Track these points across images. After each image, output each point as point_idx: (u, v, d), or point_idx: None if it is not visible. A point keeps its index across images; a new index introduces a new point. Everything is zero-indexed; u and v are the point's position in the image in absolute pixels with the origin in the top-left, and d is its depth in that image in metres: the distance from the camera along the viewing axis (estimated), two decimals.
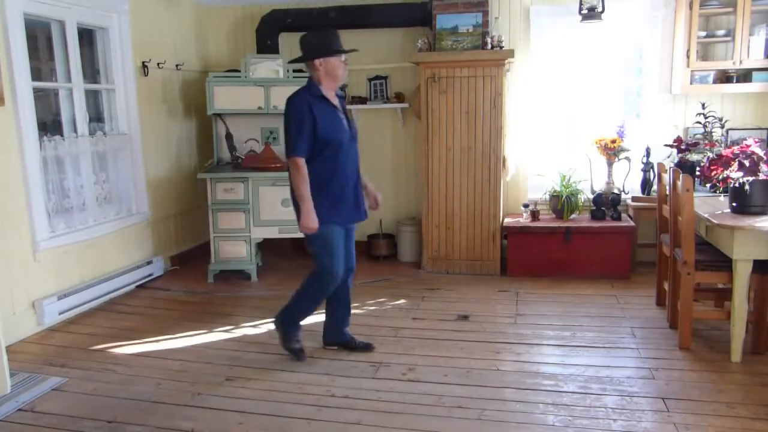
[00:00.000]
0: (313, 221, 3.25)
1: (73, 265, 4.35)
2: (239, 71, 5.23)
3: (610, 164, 5.10)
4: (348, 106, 5.69)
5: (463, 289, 4.78)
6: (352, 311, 4.35)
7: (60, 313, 4.14)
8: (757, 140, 3.41)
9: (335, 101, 3.41)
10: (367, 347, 3.66)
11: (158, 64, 5.19)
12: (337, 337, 3.68)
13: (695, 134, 4.87)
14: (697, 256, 3.50)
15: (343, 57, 3.34)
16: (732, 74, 4.93)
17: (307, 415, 2.93)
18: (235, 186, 4.99)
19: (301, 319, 3.58)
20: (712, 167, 3.45)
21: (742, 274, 3.30)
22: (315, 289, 3.49)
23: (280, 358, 3.60)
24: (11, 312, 3.84)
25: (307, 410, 2.98)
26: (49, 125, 4.38)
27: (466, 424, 2.83)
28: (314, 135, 3.24)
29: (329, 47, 3.30)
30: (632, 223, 5.02)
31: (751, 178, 3.27)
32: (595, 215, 5.12)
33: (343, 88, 3.54)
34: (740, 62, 4.77)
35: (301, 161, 3.24)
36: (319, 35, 3.35)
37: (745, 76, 4.89)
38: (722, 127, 4.74)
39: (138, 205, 5.02)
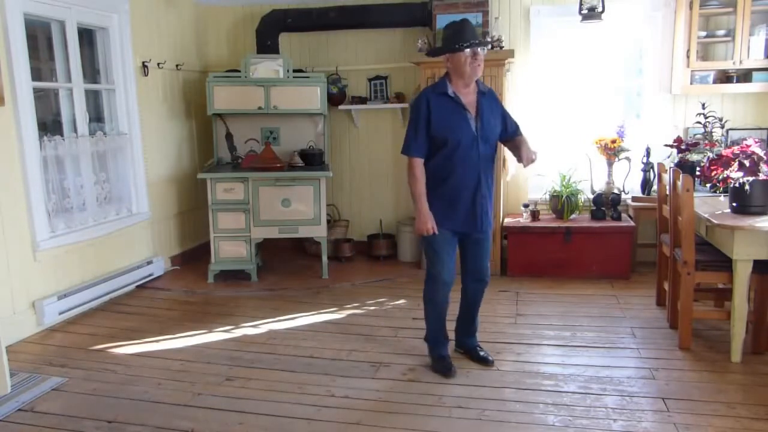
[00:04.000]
0: (422, 223, 3.12)
1: (73, 265, 4.35)
2: (239, 71, 5.23)
3: (610, 164, 5.10)
4: (348, 107, 5.76)
5: None
6: (352, 312, 4.38)
7: (60, 313, 4.14)
8: (757, 140, 3.41)
9: (469, 98, 3.16)
10: (485, 361, 3.44)
11: (158, 64, 5.19)
12: (461, 344, 3.58)
13: (695, 134, 4.87)
14: (697, 256, 3.50)
15: (468, 51, 3.06)
16: (732, 74, 4.93)
17: (307, 415, 2.93)
18: (235, 186, 4.99)
19: (436, 332, 3.41)
20: (712, 167, 3.44)
21: (742, 274, 3.30)
22: (428, 297, 3.36)
23: (280, 358, 3.60)
24: (11, 312, 3.85)
25: (307, 410, 2.98)
26: (49, 125, 4.37)
27: (466, 424, 2.83)
28: (429, 132, 3.12)
29: (453, 42, 3.08)
30: (632, 223, 5.02)
31: (751, 178, 3.27)
32: (595, 215, 5.12)
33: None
34: (740, 62, 4.76)
35: (415, 161, 3.14)
36: (452, 28, 3.13)
37: (745, 76, 4.89)
38: (722, 127, 4.74)
39: (138, 205, 5.02)
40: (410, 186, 3.19)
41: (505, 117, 3.30)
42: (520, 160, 3.25)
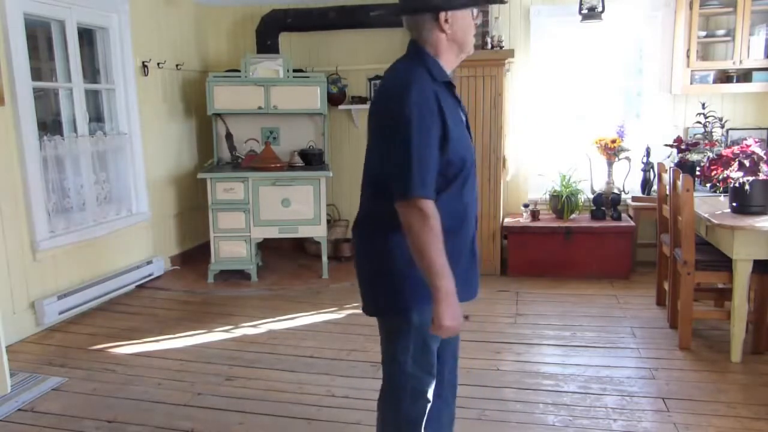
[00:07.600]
0: (454, 315, 1.76)
1: (73, 265, 4.35)
2: (239, 71, 5.23)
3: (610, 164, 5.10)
4: (348, 107, 5.76)
5: None
6: (352, 312, 4.37)
7: (60, 313, 4.13)
8: (757, 140, 3.41)
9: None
10: None
11: (158, 64, 5.19)
12: None
13: (695, 134, 4.87)
14: (697, 256, 3.50)
15: (476, 11, 2.01)
16: (732, 74, 4.93)
17: (307, 415, 2.93)
18: (235, 186, 4.99)
19: None
20: (712, 167, 3.44)
21: (742, 274, 3.30)
22: (401, 420, 1.99)
23: (280, 357, 3.60)
24: (11, 312, 3.84)
25: (307, 410, 2.98)
26: (49, 125, 4.37)
27: (466, 424, 2.82)
28: (444, 153, 1.80)
29: None
30: (632, 223, 5.02)
31: (751, 178, 3.27)
32: (595, 215, 5.12)
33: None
34: (740, 62, 4.77)
35: (425, 204, 1.73)
36: None
37: (745, 76, 4.89)
38: (722, 127, 4.74)
39: (138, 205, 5.02)
40: (425, 249, 1.72)
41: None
42: None
